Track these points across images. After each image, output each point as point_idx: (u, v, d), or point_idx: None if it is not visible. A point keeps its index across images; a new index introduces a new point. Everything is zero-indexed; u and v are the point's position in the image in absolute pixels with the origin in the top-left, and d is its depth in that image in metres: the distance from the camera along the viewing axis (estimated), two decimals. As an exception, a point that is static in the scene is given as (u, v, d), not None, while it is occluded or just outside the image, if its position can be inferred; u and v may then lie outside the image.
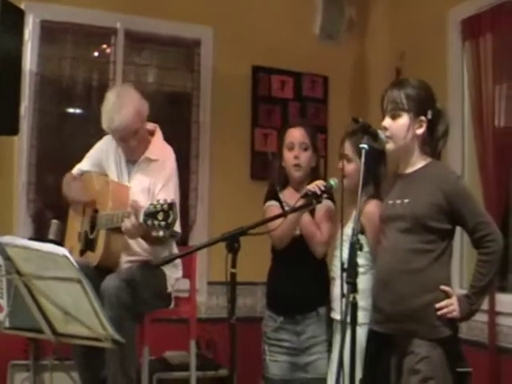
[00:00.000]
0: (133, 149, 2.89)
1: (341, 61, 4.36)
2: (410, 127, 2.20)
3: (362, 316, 2.22)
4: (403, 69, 3.78)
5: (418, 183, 2.21)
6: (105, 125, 2.84)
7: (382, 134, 2.23)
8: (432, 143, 2.27)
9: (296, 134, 2.90)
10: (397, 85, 2.22)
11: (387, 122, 2.22)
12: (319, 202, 2.56)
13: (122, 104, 2.80)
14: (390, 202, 2.26)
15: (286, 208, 2.77)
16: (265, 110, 4.28)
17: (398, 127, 2.20)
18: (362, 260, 2.30)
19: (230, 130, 4.16)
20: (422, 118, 2.22)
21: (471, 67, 3.26)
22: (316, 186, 2.51)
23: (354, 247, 1.98)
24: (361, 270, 2.15)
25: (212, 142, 4.14)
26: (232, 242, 2.17)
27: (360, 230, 2.10)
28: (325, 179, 2.62)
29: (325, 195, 2.54)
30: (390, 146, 2.22)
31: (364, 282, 2.30)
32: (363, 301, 2.22)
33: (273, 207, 2.88)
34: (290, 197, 2.84)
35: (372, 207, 2.41)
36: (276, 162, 2.93)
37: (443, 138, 2.28)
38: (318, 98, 4.41)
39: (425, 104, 2.20)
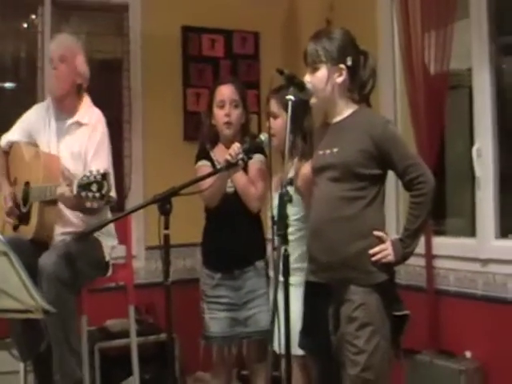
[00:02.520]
0: (59, 81, 2.91)
1: (271, 16, 4.39)
2: (328, 78, 2.21)
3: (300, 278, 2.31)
4: (334, 20, 3.79)
5: (346, 131, 2.23)
6: (51, 46, 2.93)
7: (308, 84, 2.25)
8: (358, 89, 2.29)
9: (226, 92, 2.93)
10: (313, 38, 2.23)
11: (307, 76, 2.23)
12: (250, 158, 2.64)
13: (71, 38, 2.91)
14: (320, 152, 2.28)
15: (218, 166, 2.82)
16: (196, 70, 4.30)
17: (317, 80, 2.22)
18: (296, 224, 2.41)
19: (161, 92, 4.14)
20: (341, 65, 2.23)
21: (400, 16, 3.30)
22: (230, 154, 2.56)
23: (283, 199, 1.98)
24: (296, 234, 2.33)
25: (144, 106, 4.12)
26: (163, 203, 2.19)
27: (290, 181, 2.25)
28: (257, 136, 2.65)
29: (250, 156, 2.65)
30: (313, 100, 2.24)
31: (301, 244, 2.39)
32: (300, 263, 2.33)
33: (203, 167, 2.93)
34: (220, 154, 2.87)
35: (307, 168, 2.41)
36: (206, 120, 2.96)
37: (370, 82, 2.28)
38: (250, 55, 4.43)
39: (342, 51, 2.21)
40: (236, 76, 4.14)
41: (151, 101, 4.13)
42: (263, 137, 2.55)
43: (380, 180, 2.23)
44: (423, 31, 3.15)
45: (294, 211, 2.52)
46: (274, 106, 2.61)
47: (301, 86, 2.23)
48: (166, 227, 2.17)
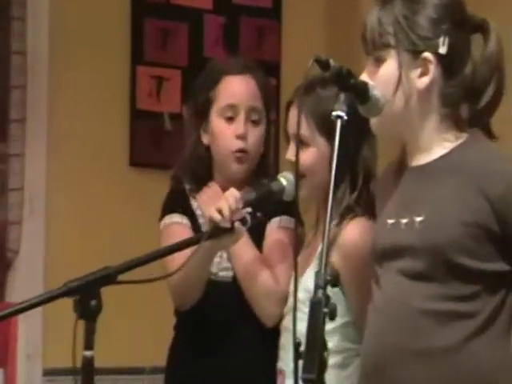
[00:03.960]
0: None
1: None
2: (400, 78, 1.85)
3: None
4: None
5: (440, 185, 1.88)
6: None
7: (375, 90, 1.81)
8: (466, 101, 1.88)
9: (241, 90, 2.44)
10: (380, 1, 1.89)
11: (366, 72, 1.88)
12: (258, 218, 2.23)
13: None
14: (388, 221, 1.95)
15: (204, 227, 2.42)
16: (156, 32, 3.67)
17: (378, 81, 1.85)
18: (335, 338, 2.07)
19: (86, 73, 3.46)
20: (426, 55, 1.83)
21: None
22: (219, 210, 2.16)
23: (317, 312, 1.54)
24: (335, 359, 1.98)
25: (51, 97, 3.41)
26: (86, 297, 1.79)
27: (332, 278, 1.63)
28: (272, 175, 2.34)
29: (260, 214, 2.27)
30: (372, 121, 1.91)
31: (342, 380, 2.06)
32: None
33: (175, 227, 2.44)
34: (212, 205, 2.38)
35: (355, 233, 2.11)
36: (191, 135, 2.49)
37: (490, 87, 1.87)
38: (264, 9, 3.78)
39: (433, 26, 1.85)
40: (249, 56, 3.32)
41: (66, 89, 3.44)
42: (284, 180, 2.18)
43: (506, 284, 1.85)
44: None
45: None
46: (304, 124, 2.19)
47: (361, 93, 1.78)
48: (88, 346, 1.76)
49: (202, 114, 2.48)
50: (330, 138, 1.80)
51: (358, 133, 2.08)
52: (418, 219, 1.89)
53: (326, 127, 2.04)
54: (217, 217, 2.18)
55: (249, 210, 2.23)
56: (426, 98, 1.87)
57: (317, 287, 1.57)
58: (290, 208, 2.38)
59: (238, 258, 2.37)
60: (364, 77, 1.88)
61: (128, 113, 3.64)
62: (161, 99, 3.69)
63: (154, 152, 3.67)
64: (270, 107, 2.51)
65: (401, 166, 2.00)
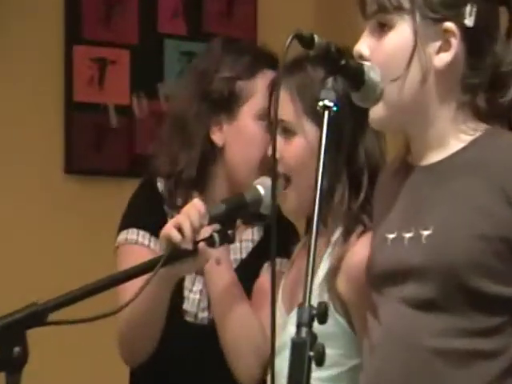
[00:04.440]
0: None
1: None
2: (413, 53, 1.83)
3: None
4: None
5: (453, 188, 1.87)
6: None
7: (372, 72, 1.83)
8: (489, 87, 1.89)
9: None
10: None
11: (363, 45, 1.88)
12: (228, 239, 2.23)
13: None
14: (389, 236, 1.94)
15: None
16: (98, 3, 3.75)
17: (386, 56, 1.86)
18: None
19: (8, 57, 3.56)
20: (448, 25, 1.83)
21: None
22: (177, 225, 2.15)
23: (300, 356, 1.55)
24: None
25: None
26: (7, 344, 1.76)
27: (320, 312, 1.64)
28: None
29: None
30: (377, 109, 1.88)
31: None
32: None
33: (134, 248, 2.47)
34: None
35: (367, 253, 2.05)
36: (197, 132, 2.46)
37: None
38: None
39: None
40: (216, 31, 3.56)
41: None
42: (261, 187, 2.21)
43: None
44: None
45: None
46: (286, 104, 2.22)
47: (354, 76, 1.80)
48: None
49: (220, 107, 2.49)
50: (321, 124, 1.76)
51: (356, 118, 2.10)
52: (426, 233, 1.87)
53: (317, 111, 1.94)
54: (175, 236, 2.16)
55: (217, 227, 2.23)
56: (445, 80, 1.87)
57: (300, 325, 1.56)
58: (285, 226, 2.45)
59: (219, 298, 2.38)
60: (362, 47, 1.87)
61: (63, 106, 3.66)
62: (104, 88, 3.73)
63: (96, 155, 3.69)
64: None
65: (403, 166, 2.00)
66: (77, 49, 3.73)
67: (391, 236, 1.93)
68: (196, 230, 2.20)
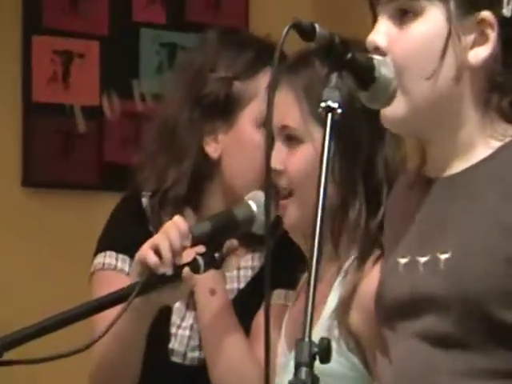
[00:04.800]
0: None
1: None
2: (448, 39, 1.84)
3: None
4: None
5: (478, 203, 1.88)
6: None
7: (385, 68, 1.83)
8: None
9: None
10: None
11: (382, 31, 1.87)
12: (216, 264, 2.23)
13: None
14: (402, 260, 1.94)
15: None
16: None
17: (409, 44, 1.86)
18: None
19: None
20: (485, 15, 1.84)
21: None
22: (154, 246, 2.16)
23: None
24: None
25: None
26: None
27: (322, 349, 1.65)
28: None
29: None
30: (396, 110, 1.87)
31: None
32: None
33: (110, 274, 2.49)
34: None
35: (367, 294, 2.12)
36: (189, 144, 2.50)
37: None
38: None
39: None
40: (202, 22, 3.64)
41: None
42: (254, 203, 2.24)
43: None
44: None
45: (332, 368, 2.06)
46: (294, 111, 2.23)
47: (363, 72, 1.81)
48: None
49: (215, 112, 2.50)
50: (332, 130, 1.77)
51: (373, 122, 2.06)
52: (444, 257, 1.87)
53: (319, 120, 2.01)
54: (152, 259, 2.16)
55: (202, 249, 2.23)
56: (478, 77, 1.88)
57: (299, 364, 1.56)
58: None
59: (211, 333, 2.39)
60: (378, 37, 1.86)
61: (20, 107, 3.74)
62: (70, 86, 3.80)
63: (60, 165, 3.73)
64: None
65: (418, 179, 2.00)
66: (37, 40, 3.78)
67: (403, 261, 1.93)
68: (176, 252, 2.18)
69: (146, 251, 2.21)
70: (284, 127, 2.25)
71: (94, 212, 2.81)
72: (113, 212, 2.61)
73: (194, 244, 2.20)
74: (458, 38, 1.86)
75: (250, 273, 2.46)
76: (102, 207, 2.65)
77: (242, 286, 2.46)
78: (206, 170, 2.51)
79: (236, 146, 2.52)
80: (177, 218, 2.25)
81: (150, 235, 2.42)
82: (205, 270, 2.22)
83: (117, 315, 2.13)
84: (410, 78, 1.86)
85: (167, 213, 2.50)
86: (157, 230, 2.43)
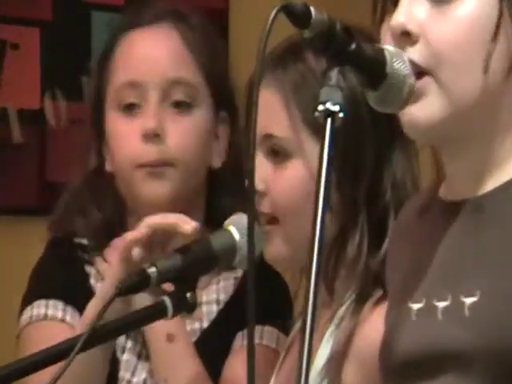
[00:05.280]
0: None
1: None
2: (499, 24, 1.84)
3: None
4: None
5: (510, 231, 1.89)
6: None
7: (398, 61, 1.81)
8: None
9: (149, 53, 2.67)
10: None
11: (411, 10, 1.86)
12: (188, 306, 2.24)
13: None
14: (414, 305, 1.93)
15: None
16: None
17: (458, 26, 1.86)
18: None
19: None
20: None
21: None
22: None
23: None
24: None
25: None
26: None
27: None
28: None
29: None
30: (433, 106, 1.86)
31: None
32: None
33: (44, 325, 2.59)
34: None
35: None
36: (89, 159, 2.71)
37: None
38: None
39: None
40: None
41: None
42: (236, 230, 2.27)
43: None
44: None
45: None
46: (277, 117, 2.27)
47: (371, 67, 1.81)
48: None
49: (97, 113, 2.67)
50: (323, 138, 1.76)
51: (380, 131, 2.18)
52: (470, 300, 1.86)
53: (313, 129, 2.08)
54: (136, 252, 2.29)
55: (170, 287, 2.28)
56: None
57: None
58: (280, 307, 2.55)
59: None
60: (407, 19, 1.82)
61: None
62: (2, 84, 3.90)
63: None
64: (220, 79, 2.66)
65: (433, 203, 2.00)
66: None
67: (417, 306, 1.92)
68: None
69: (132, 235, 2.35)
70: (268, 137, 2.26)
71: (33, 242, 2.83)
72: (38, 261, 2.69)
73: (160, 282, 2.21)
74: (511, 20, 1.88)
75: (214, 308, 2.52)
76: (43, 236, 2.66)
77: (205, 325, 2.50)
78: (111, 186, 2.63)
79: (108, 142, 2.64)
80: (127, 238, 2.33)
81: (85, 275, 2.62)
82: (174, 315, 2.21)
83: (62, 367, 2.10)
84: (451, 71, 1.85)
85: (99, 244, 2.64)
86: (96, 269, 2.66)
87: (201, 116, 2.68)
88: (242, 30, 4.18)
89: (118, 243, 2.60)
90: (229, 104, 2.72)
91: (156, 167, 2.62)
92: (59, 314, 2.59)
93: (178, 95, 2.64)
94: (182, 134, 2.65)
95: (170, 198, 2.61)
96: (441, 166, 1.98)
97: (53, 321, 2.58)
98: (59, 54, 3.71)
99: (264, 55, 1.85)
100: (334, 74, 1.71)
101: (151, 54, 2.67)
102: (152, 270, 2.18)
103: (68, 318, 2.58)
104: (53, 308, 2.59)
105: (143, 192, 2.61)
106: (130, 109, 2.61)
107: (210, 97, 2.68)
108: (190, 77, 2.66)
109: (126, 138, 2.62)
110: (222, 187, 2.70)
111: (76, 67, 3.75)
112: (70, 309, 2.59)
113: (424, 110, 1.87)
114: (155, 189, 2.61)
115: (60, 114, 3.87)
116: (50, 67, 3.68)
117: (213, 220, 2.59)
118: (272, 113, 2.28)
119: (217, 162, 2.69)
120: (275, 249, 2.26)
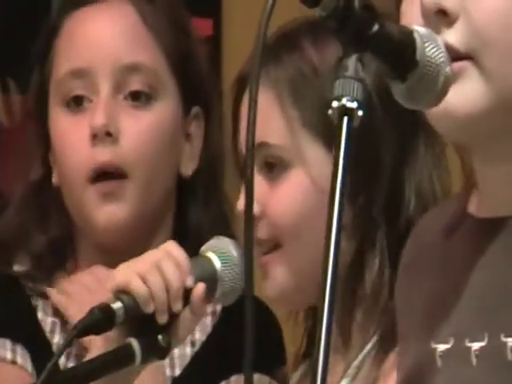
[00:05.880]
0: None
1: None
2: None
3: None
4: None
5: None
6: None
7: (432, 46, 1.69)
8: None
9: (98, 34, 2.59)
10: None
11: None
12: (161, 353, 2.19)
13: None
14: (439, 347, 1.87)
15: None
16: None
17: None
18: None
19: None
20: None
21: None
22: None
23: None
24: None
25: None
26: None
27: None
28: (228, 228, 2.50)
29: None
30: (475, 94, 1.78)
31: None
32: None
33: None
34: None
35: None
36: (30, 170, 2.69)
37: None
38: None
39: None
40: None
41: None
42: (216, 257, 2.19)
43: None
44: None
45: None
46: (271, 122, 2.21)
47: (397, 54, 1.69)
48: None
49: (41, 111, 2.60)
50: (335, 144, 1.60)
51: (403, 132, 2.13)
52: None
53: (325, 125, 1.97)
54: (140, 287, 2.13)
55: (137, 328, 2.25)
56: None
57: None
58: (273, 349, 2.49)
59: None
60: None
61: None
62: None
63: None
64: (190, 64, 2.53)
65: (461, 222, 1.92)
66: None
67: (443, 347, 1.89)
68: (175, 295, 2.13)
69: (128, 275, 2.16)
70: (261, 146, 2.19)
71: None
72: None
73: (126, 320, 2.12)
74: None
75: (188, 351, 2.46)
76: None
77: (177, 372, 2.47)
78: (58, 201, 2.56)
79: (52, 145, 2.56)
80: (170, 245, 2.18)
81: (31, 308, 2.55)
82: (143, 361, 2.17)
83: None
84: (497, 55, 1.77)
85: (43, 278, 2.58)
86: (42, 300, 2.57)
87: (164, 110, 2.61)
88: (241, 17, 4.15)
89: (67, 288, 2.54)
90: (203, 97, 2.63)
91: (108, 181, 2.52)
92: (8, 355, 2.55)
93: (135, 85, 2.58)
94: (141, 132, 2.57)
95: (128, 222, 2.56)
96: (470, 174, 1.92)
97: (2, 362, 2.54)
98: (12, 38, 3.62)
99: (265, 40, 1.67)
100: (352, 63, 1.58)
101: (100, 35, 2.59)
102: (117, 305, 2.12)
103: (19, 359, 2.54)
104: (0, 348, 2.57)
105: (96, 217, 2.55)
106: (76, 103, 2.54)
107: (175, 86, 2.61)
108: (149, 62, 2.58)
109: (73, 142, 2.55)
110: (195, 199, 2.63)
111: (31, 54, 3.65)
112: (19, 349, 2.55)
113: (462, 97, 1.79)
114: (110, 213, 2.55)
115: (13, 110, 3.82)
116: (1, 54, 3.58)
117: (183, 240, 2.38)
118: (265, 117, 2.16)
119: (187, 169, 2.61)
120: (278, 282, 2.19)
